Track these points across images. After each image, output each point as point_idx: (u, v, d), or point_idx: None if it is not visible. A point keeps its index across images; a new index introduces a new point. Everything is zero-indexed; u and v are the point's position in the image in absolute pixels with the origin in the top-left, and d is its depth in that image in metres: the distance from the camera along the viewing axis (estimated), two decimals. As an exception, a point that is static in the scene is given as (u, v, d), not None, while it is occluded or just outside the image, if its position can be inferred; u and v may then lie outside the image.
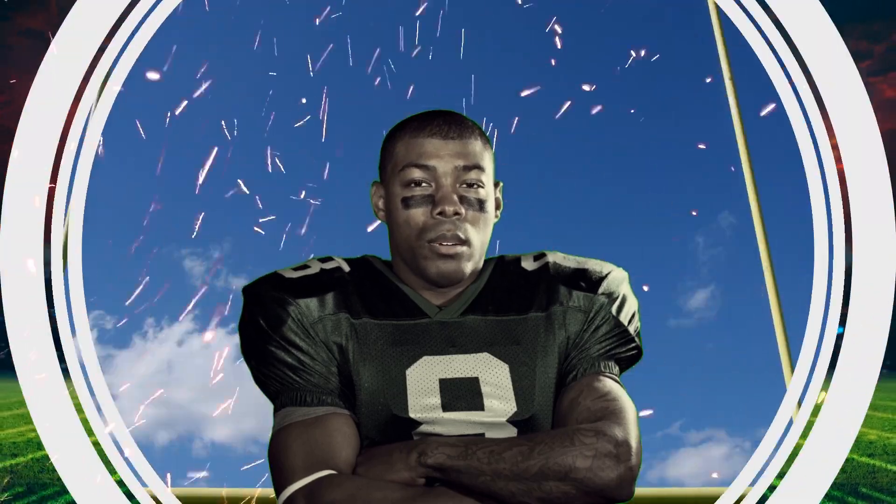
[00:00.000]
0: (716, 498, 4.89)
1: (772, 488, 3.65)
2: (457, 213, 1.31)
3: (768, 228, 5.45)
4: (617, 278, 1.39)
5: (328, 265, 1.37)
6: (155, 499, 3.70)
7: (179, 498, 4.50)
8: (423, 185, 1.33)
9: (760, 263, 5.34)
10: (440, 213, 1.31)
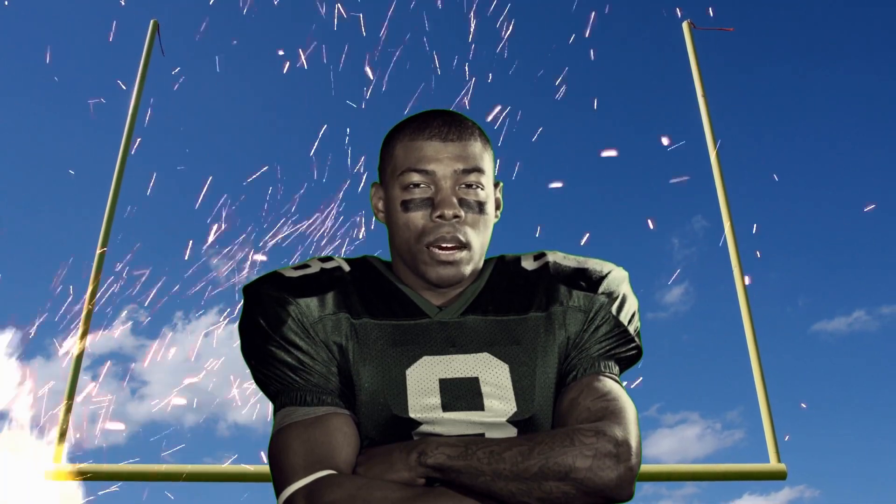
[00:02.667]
0: (689, 473, 4.79)
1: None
2: (456, 216, 1.17)
3: (737, 231, 5.35)
4: (617, 278, 1.25)
5: (328, 265, 1.23)
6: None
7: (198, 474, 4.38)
8: (423, 187, 1.18)
9: (730, 262, 5.23)
10: (439, 217, 1.16)
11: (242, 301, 1.19)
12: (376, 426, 1.12)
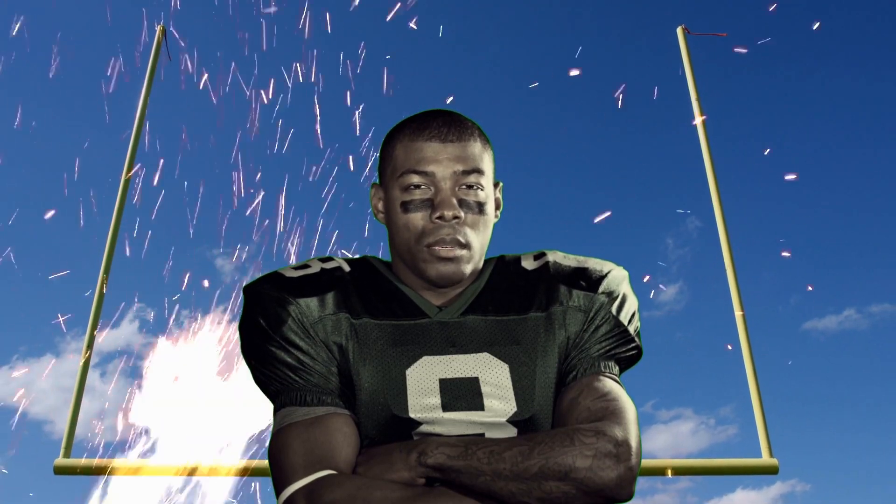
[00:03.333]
0: (684, 468, 4.77)
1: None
2: (456, 217, 1.13)
3: (730, 231, 5.32)
4: (617, 277, 1.21)
5: (329, 265, 1.20)
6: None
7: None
8: (423, 188, 1.15)
9: (723, 262, 5.21)
10: (439, 218, 1.13)
11: (243, 301, 1.16)
12: (376, 426, 1.09)
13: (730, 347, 4.94)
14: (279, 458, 1.05)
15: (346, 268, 1.20)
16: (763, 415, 4.67)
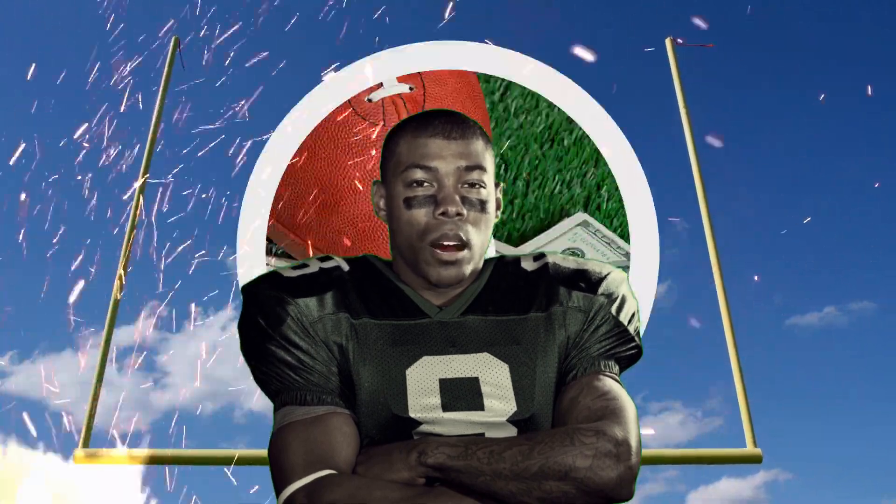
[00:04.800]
0: (671, 457, 4.73)
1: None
2: (459, 214, 1.08)
3: (716, 232, 5.28)
4: (616, 279, 1.15)
5: (327, 264, 1.14)
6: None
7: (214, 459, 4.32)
8: (426, 185, 1.09)
9: (710, 261, 5.16)
10: (442, 214, 1.07)
11: (242, 301, 1.10)
12: (376, 426, 1.03)
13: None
14: (279, 457, 1.00)
15: (346, 267, 1.14)
16: (747, 407, 4.61)
